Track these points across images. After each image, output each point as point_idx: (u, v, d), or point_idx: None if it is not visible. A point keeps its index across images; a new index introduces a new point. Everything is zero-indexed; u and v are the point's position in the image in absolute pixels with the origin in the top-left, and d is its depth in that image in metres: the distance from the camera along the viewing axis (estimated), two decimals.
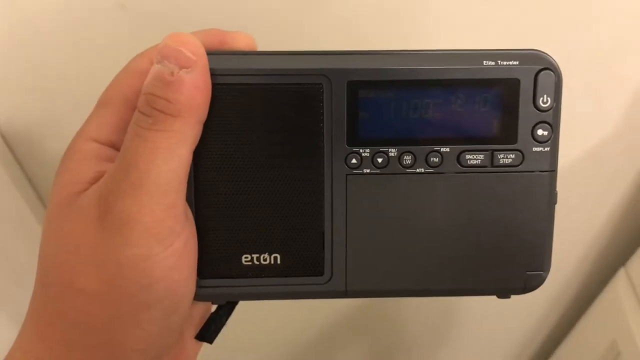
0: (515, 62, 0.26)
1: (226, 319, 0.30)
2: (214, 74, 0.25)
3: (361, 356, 0.63)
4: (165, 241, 0.23)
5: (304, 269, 0.27)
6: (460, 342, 0.63)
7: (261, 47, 0.28)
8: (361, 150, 0.27)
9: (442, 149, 0.27)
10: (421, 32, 0.41)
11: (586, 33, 0.42)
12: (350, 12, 0.39)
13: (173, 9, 0.36)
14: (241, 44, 0.27)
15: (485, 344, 0.64)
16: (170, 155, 0.23)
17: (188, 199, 0.26)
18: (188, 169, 0.24)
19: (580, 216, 0.53)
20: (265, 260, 0.27)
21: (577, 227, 0.54)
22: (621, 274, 0.53)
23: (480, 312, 0.59)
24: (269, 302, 0.53)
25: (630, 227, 0.54)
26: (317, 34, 0.39)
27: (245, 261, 0.27)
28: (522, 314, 0.61)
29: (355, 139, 0.27)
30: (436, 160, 0.27)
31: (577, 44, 0.43)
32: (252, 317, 0.55)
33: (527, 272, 0.28)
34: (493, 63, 0.26)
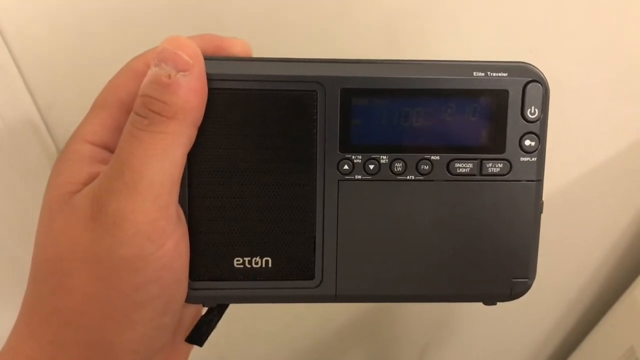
0: (504, 74, 0.27)
1: (216, 322, 0.30)
2: (210, 78, 0.25)
3: (370, 356, 0.64)
4: (157, 242, 0.24)
5: (295, 273, 0.28)
6: (473, 343, 0.63)
7: (257, 54, 0.29)
8: (353, 157, 0.27)
9: (432, 157, 0.27)
10: (416, 42, 0.41)
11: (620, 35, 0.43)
12: (346, 21, 0.40)
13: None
14: (237, 50, 0.28)
15: (500, 346, 0.64)
16: (165, 157, 0.24)
17: (181, 201, 0.26)
18: (182, 171, 0.25)
19: (601, 220, 0.54)
20: (256, 263, 0.27)
21: (597, 231, 0.55)
22: None
23: (494, 313, 0.59)
24: (268, 307, 0.53)
25: None
26: (312, 41, 0.39)
27: (237, 264, 0.27)
28: (539, 316, 0.61)
29: (348, 146, 0.27)
30: (426, 167, 0.27)
31: (608, 47, 0.43)
32: (252, 321, 0.55)
33: (513, 279, 0.28)
34: (483, 74, 0.27)
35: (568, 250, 0.55)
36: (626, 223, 0.54)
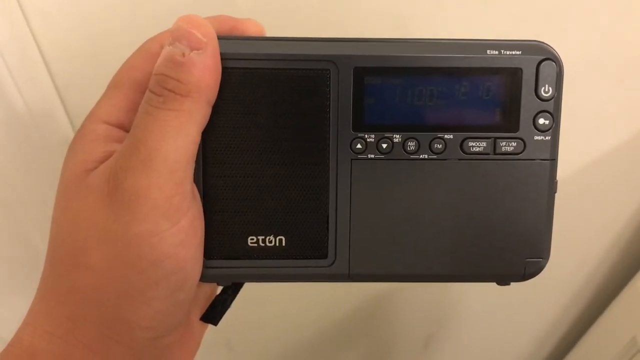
0: (518, 52, 0.27)
1: (231, 301, 0.30)
2: (223, 58, 0.25)
3: (373, 352, 0.64)
4: (173, 218, 0.24)
5: (308, 251, 0.28)
6: (477, 335, 0.63)
7: (270, 34, 0.29)
8: (366, 136, 0.27)
9: (446, 136, 0.27)
10: (426, 28, 0.41)
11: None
12: (355, 6, 0.39)
13: None
14: (251, 31, 0.28)
15: (505, 336, 0.64)
16: (179, 134, 0.24)
17: (196, 180, 0.26)
18: (196, 149, 0.25)
19: (605, 211, 0.54)
20: (270, 242, 0.28)
21: (601, 222, 0.54)
22: None
23: (500, 303, 0.60)
24: (275, 293, 0.53)
25: None
26: (325, 21, 0.39)
27: (251, 243, 0.28)
28: (543, 307, 0.61)
29: (361, 125, 0.27)
30: (440, 146, 0.27)
31: (614, 37, 0.43)
32: (259, 307, 0.56)
33: (527, 259, 0.28)
34: (496, 52, 0.27)
35: (572, 241, 0.55)
36: (629, 214, 0.54)
